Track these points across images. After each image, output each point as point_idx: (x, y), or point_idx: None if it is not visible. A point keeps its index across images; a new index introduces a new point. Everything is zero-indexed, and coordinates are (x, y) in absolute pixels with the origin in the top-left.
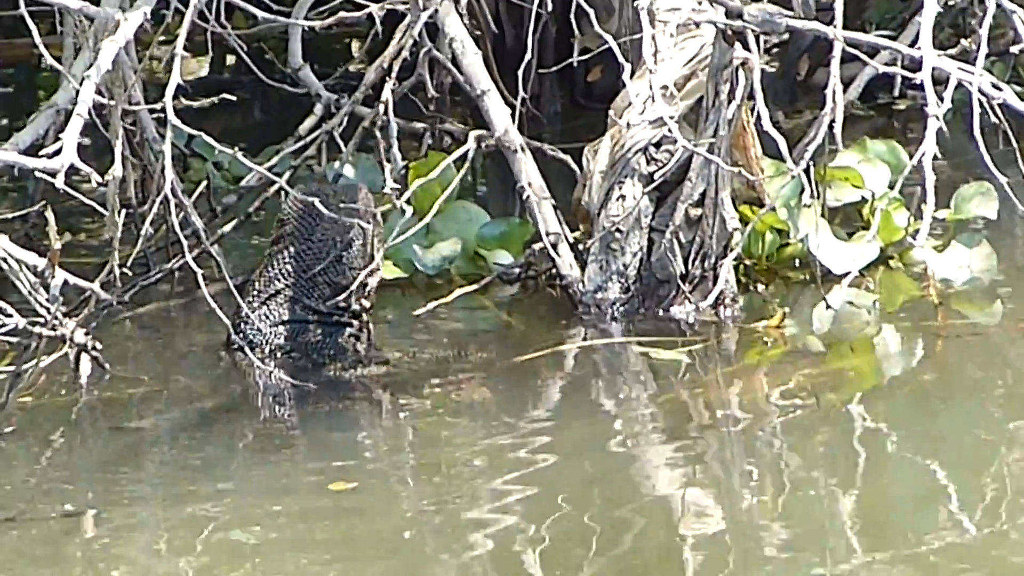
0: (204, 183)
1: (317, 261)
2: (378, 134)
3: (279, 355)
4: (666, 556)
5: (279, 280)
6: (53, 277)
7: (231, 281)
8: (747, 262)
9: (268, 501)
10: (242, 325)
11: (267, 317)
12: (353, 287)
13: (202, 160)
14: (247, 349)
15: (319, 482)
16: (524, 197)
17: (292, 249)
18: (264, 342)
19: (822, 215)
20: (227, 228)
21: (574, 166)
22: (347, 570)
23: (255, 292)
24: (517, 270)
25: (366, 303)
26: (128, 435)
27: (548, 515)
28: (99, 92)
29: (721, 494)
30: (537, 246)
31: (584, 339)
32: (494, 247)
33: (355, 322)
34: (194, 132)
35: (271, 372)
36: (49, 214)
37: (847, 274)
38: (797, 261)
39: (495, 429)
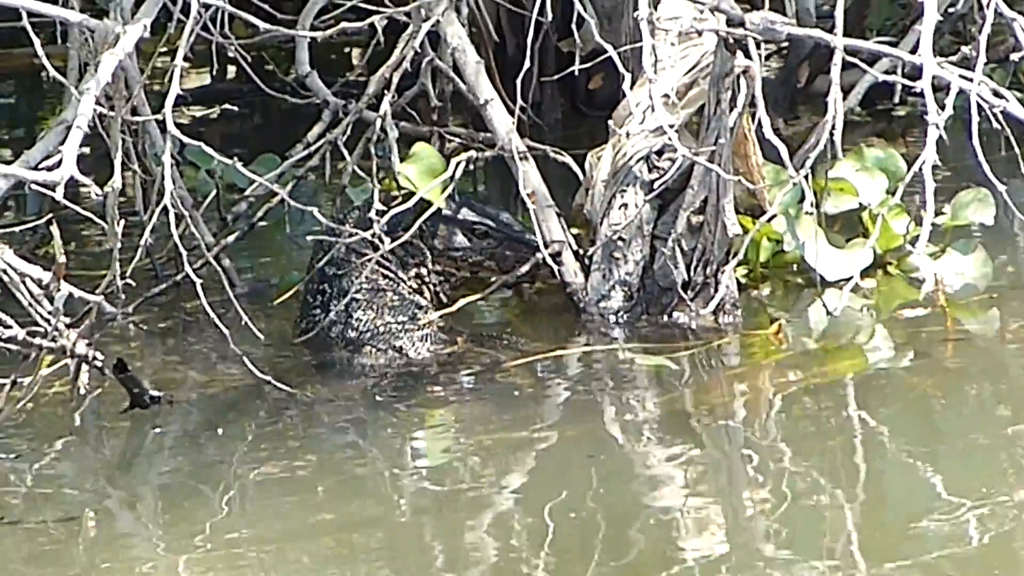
0: (212, 193)
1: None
2: (372, 148)
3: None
4: (664, 559)
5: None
6: (58, 291)
7: (236, 288)
8: (743, 269)
9: (272, 503)
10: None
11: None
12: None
13: (195, 169)
14: (248, 361)
15: (322, 480)
16: (528, 205)
17: None
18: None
19: (819, 223)
20: (230, 239)
21: (576, 170)
22: (347, 564)
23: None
24: (516, 274)
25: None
26: (131, 438)
27: (546, 517)
28: (100, 103)
29: (720, 498)
30: (539, 256)
31: (580, 344)
32: None
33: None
34: (194, 142)
35: (266, 379)
36: (54, 228)
37: (845, 280)
38: (795, 266)
39: (491, 429)
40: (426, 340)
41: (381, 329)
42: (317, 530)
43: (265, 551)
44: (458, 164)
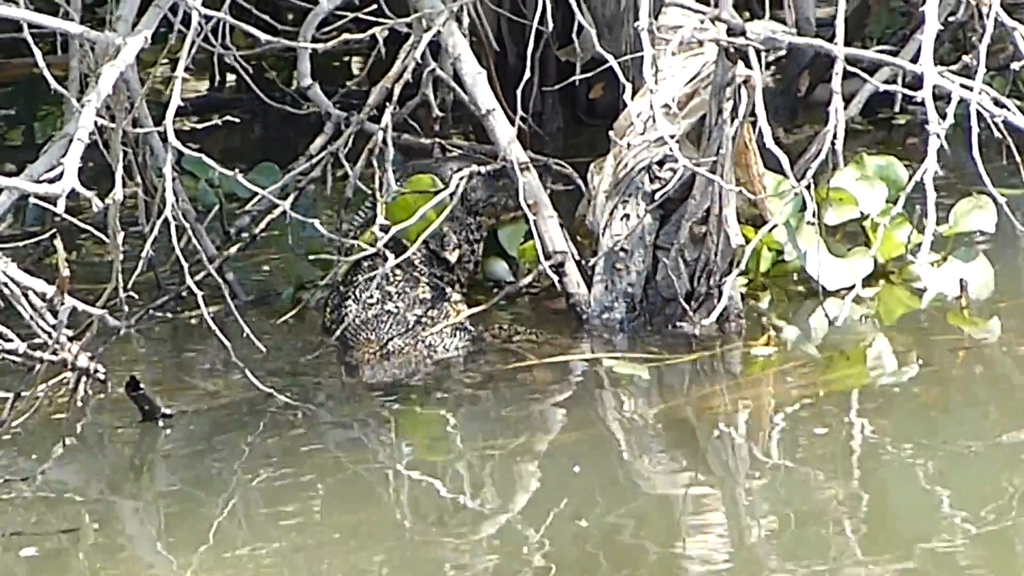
0: (216, 206)
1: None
2: (374, 162)
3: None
4: (664, 565)
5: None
6: (62, 304)
7: (238, 300)
8: (744, 279)
9: (273, 512)
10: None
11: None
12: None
13: (194, 179)
14: (248, 372)
15: (322, 490)
16: (529, 216)
17: None
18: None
19: (820, 233)
20: (232, 250)
21: (579, 181)
22: (348, 572)
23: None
24: (521, 285)
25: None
26: (133, 448)
27: (545, 523)
28: (101, 115)
29: (720, 504)
30: (540, 267)
31: (582, 352)
32: (490, 255)
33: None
34: (194, 154)
35: (266, 387)
36: (58, 242)
37: (846, 289)
38: (796, 275)
39: (495, 432)
40: (431, 349)
41: (392, 339)
42: (318, 539)
43: (267, 560)
44: (461, 179)
